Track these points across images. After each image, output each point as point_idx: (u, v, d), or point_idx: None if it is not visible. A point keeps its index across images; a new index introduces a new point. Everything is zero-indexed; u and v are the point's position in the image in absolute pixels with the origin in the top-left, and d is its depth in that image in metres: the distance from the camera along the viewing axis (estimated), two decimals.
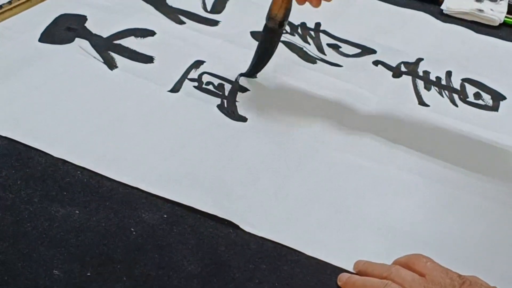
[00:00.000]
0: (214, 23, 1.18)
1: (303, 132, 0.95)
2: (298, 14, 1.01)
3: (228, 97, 1.00)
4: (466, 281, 0.70)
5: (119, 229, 0.78)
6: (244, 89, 1.02)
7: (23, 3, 1.13)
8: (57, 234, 0.76)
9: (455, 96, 1.06)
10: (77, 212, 0.79)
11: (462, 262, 0.77)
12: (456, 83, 1.09)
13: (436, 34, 1.23)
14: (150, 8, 1.19)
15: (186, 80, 1.02)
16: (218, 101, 0.99)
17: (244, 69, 1.05)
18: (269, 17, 0.98)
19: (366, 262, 0.77)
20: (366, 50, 1.15)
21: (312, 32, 1.17)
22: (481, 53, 1.19)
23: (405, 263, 0.74)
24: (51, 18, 1.12)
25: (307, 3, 0.93)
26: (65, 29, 1.10)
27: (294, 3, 0.95)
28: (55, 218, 0.78)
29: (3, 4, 1.11)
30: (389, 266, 0.74)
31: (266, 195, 0.85)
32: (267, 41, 1.01)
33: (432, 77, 1.10)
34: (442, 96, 1.06)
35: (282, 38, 1.13)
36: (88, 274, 0.72)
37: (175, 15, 1.18)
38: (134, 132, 0.92)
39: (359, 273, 0.76)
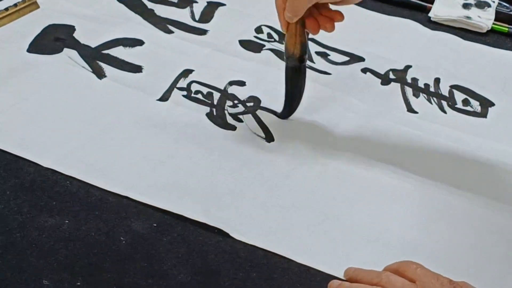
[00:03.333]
0: (203, 32, 1.18)
1: (292, 140, 0.95)
2: None
3: (217, 106, 1.00)
4: (457, 287, 0.70)
5: (109, 238, 0.78)
6: (233, 98, 1.02)
7: (11, 13, 1.13)
8: (46, 244, 0.76)
9: (444, 103, 1.07)
10: (67, 221, 0.79)
11: (452, 268, 0.77)
12: (444, 90, 1.09)
13: (424, 41, 1.23)
14: (138, 18, 1.19)
15: (175, 89, 1.02)
16: (207, 109, 0.99)
17: (232, 78, 1.05)
18: (287, 56, 0.94)
19: (356, 269, 0.76)
20: (354, 58, 1.15)
21: None
22: (469, 60, 1.19)
23: (396, 270, 0.74)
24: (40, 28, 1.12)
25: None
26: (53, 39, 1.10)
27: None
28: (44, 228, 0.78)
29: None
30: (379, 272, 0.74)
31: (256, 203, 0.85)
32: (293, 81, 0.97)
33: (421, 84, 1.10)
34: (431, 103, 1.06)
35: (271, 46, 1.14)
36: (78, 283, 0.72)
37: (163, 24, 1.18)
38: (123, 141, 0.92)
39: (349, 280, 0.76)
